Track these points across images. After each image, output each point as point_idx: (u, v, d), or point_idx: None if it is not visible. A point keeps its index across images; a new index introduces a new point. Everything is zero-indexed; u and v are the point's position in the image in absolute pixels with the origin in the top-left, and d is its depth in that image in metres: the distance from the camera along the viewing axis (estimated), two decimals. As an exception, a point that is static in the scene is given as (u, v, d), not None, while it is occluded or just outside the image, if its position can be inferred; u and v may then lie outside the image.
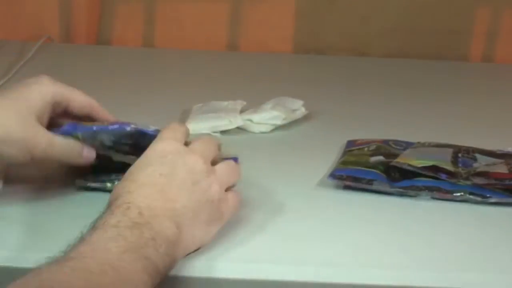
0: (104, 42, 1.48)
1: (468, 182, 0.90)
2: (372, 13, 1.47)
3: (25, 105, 0.79)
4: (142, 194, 0.72)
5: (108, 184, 0.86)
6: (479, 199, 0.89)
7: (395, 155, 0.95)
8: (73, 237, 0.69)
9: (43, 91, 0.81)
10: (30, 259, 0.75)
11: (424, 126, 1.13)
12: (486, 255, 0.80)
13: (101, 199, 0.86)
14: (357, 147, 1.00)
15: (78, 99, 0.84)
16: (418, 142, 1.00)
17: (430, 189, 0.90)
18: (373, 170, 0.92)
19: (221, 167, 0.78)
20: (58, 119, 0.84)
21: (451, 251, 0.80)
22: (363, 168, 0.92)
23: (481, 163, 0.94)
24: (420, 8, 1.46)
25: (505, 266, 0.79)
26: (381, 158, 0.95)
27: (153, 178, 0.74)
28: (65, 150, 0.81)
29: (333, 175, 0.92)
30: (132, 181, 0.74)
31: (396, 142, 1.00)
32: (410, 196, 0.90)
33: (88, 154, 0.82)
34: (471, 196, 0.89)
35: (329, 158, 0.99)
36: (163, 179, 0.74)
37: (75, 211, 0.83)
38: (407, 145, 0.99)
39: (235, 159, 0.83)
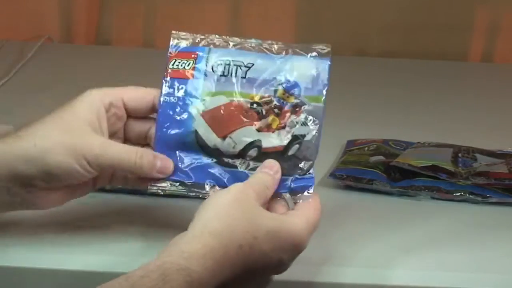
0: (104, 42, 1.48)
1: (468, 182, 0.90)
2: (371, 10, 1.47)
3: (72, 116, 0.73)
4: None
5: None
6: (479, 199, 0.89)
7: (395, 155, 0.95)
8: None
9: (90, 98, 0.74)
10: (30, 258, 0.75)
11: (424, 126, 1.13)
12: (486, 255, 0.80)
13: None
14: (357, 147, 1.00)
15: (130, 91, 0.77)
16: (418, 142, 1.00)
17: (430, 189, 0.90)
18: (373, 170, 0.92)
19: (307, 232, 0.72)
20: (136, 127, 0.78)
21: (451, 251, 0.80)
22: (363, 168, 0.92)
23: (481, 163, 0.94)
24: (420, 5, 1.46)
25: (505, 266, 0.79)
26: (381, 158, 0.95)
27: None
28: (123, 154, 0.73)
29: (334, 174, 0.92)
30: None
31: (396, 142, 1.00)
32: (410, 196, 0.90)
33: (163, 166, 0.74)
34: (471, 196, 0.89)
35: (329, 158, 0.99)
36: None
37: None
38: (407, 145, 0.99)
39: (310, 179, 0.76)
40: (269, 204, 0.73)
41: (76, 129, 0.72)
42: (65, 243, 0.77)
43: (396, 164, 0.92)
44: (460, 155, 0.95)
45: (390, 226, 0.84)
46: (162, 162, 0.74)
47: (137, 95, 0.77)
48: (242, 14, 1.47)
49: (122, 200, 0.86)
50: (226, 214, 0.68)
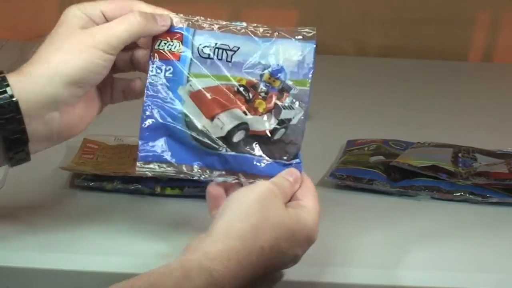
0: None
1: (468, 182, 0.90)
2: (372, 5, 1.47)
3: (65, 27, 0.75)
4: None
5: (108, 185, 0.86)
6: (479, 199, 0.89)
7: (395, 155, 0.95)
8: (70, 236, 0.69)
9: (69, 18, 0.75)
10: (30, 258, 0.75)
11: (424, 126, 1.13)
12: (486, 255, 0.80)
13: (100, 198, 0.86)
14: (357, 147, 1.00)
15: (107, 2, 0.76)
16: (418, 142, 1.00)
17: (430, 189, 0.90)
18: (373, 170, 0.92)
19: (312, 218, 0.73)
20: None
21: (451, 251, 0.80)
22: (363, 168, 0.92)
23: (481, 163, 0.94)
24: (420, 0, 1.46)
25: (505, 266, 0.79)
26: (381, 158, 0.95)
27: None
28: (122, 25, 0.73)
29: (334, 174, 0.92)
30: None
31: (396, 142, 1.00)
32: (410, 196, 0.90)
33: (160, 18, 0.75)
34: (471, 196, 0.89)
35: (329, 158, 0.99)
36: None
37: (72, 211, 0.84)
38: (407, 145, 0.99)
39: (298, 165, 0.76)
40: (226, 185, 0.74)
41: (76, 34, 0.73)
42: (65, 243, 0.77)
43: (396, 164, 0.92)
44: (460, 155, 0.95)
45: (390, 226, 0.84)
46: (160, 16, 0.75)
47: (115, 6, 0.75)
48: (242, 15, 1.47)
49: (122, 200, 0.86)
50: (251, 214, 0.69)
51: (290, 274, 0.74)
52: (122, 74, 0.79)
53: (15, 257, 0.75)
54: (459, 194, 0.89)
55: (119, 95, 0.79)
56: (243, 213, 0.69)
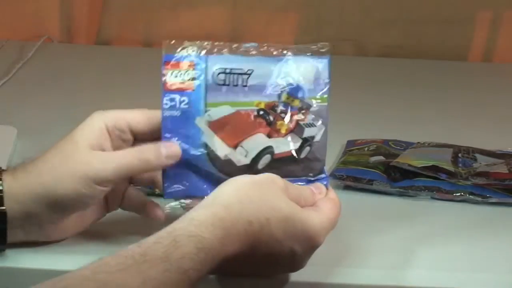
0: (104, 42, 1.48)
1: (468, 182, 0.90)
2: (372, 5, 1.47)
3: (72, 145, 0.72)
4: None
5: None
6: (479, 199, 0.89)
7: (395, 155, 0.95)
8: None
9: (91, 123, 0.73)
10: (30, 258, 0.75)
11: (424, 126, 1.13)
12: (486, 255, 0.80)
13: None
14: (357, 147, 1.00)
15: (135, 113, 0.75)
16: (418, 142, 1.00)
17: (430, 189, 0.90)
18: (373, 170, 0.92)
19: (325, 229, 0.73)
20: None
21: (451, 251, 0.80)
22: (363, 168, 0.92)
23: (481, 163, 0.94)
24: (420, 0, 1.46)
25: (505, 266, 0.79)
26: (381, 158, 0.95)
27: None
28: (123, 158, 0.72)
29: (334, 174, 0.92)
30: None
31: (396, 142, 1.00)
32: (410, 196, 0.90)
33: (169, 151, 0.73)
34: (471, 196, 0.89)
35: (329, 158, 0.99)
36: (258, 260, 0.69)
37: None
38: (407, 145, 0.99)
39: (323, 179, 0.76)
40: None
41: (77, 155, 0.72)
42: (65, 243, 0.77)
43: (396, 164, 0.92)
44: (460, 155, 0.95)
45: (390, 227, 0.84)
46: (167, 147, 0.73)
47: (143, 118, 0.75)
48: (242, 14, 1.47)
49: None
50: (242, 191, 0.69)
51: (290, 274, 0.74)
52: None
53: (15, 257, 0.75)
54: (459, 194, 0.89)
55: (129, 207, 0.78)
56: (234, 189, 0.69)
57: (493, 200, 0.89)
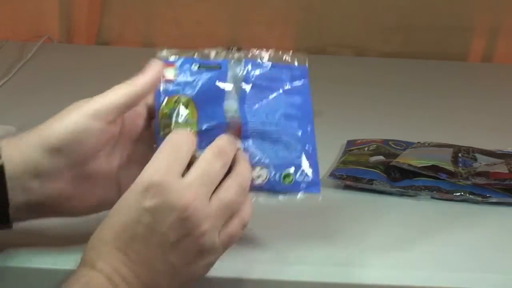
0: (104, 42, 1.48)
1: (468, 182, 0.90)
2: (372, 11, 1.47)
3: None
4: (109, 260, 0.65)
5: None
6: (479, 199, 0.89)
7: (395, 155, 0.95)
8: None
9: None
10: (30, 258, 0.75)
11: (424, 126, 1.13)
12: (486, 255, 0.80)
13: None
14: (357, 147, 1.00)
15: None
16: (418, 142, 1.00)
17: (430, 189, 0.90)
18: (373, 170, 0.92)
19: (227, 197, 0.68)
20: None
21: (451, 251, 0.80)
22: (363, 168, 0.92)
23: (481, 163, 0.94)
24: (420, 7, 1.46)
25: (505, 266, 0.79)
26: (381, 158, 0.95)
27: (126, 236, 0.65)
28: (119, 88, 0.72)
29: (333, 174, 0.92)
30: (102, 240, 0.66)
31: (396, 142, 1.00)
32: (410, 196, 0.90)
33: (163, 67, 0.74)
34: (471, 196, 0.89)
35: (329, 158, 0.99)
36: (138, 238, 0.65)
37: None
38: (407, 145, 0.99)
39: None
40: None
41: (72, 105, 0.71)
42: (65, 243, 0.77)
43: (396, 164, 0.92)
44: (460, 155, 0.95)
45: (390, 226, 0.84)
46: (157, 64, 0.75)
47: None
48: (242, 15, 1.47)
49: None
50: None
51: (290, 274, 0.75)
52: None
53: (15, 257, 0.75)
54: (459, 194, 0.89)
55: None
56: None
57: (493, 200, 0.89)
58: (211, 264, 0.68)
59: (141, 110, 0.75)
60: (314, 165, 0.74)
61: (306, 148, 0.75)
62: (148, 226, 0.65)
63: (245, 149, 0.72)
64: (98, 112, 0.70)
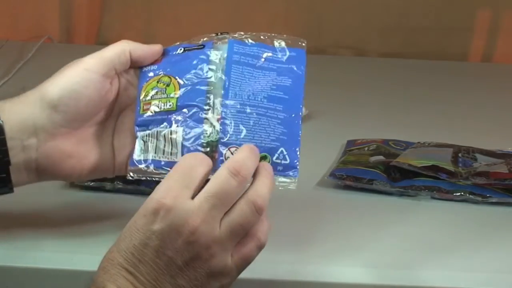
0: (104, 42, 1.48)
1: (468, 182, 0.90)
2: (372, 12, 1.47)
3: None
4: (118, 282, 0.64)
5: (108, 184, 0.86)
6: (479, 199, 0.89)
7: (395, 155, 0.95)
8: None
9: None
10: (30, 258, 0.75)
11: (424, 126, 1.13)
12: (486, 255, 0.80)
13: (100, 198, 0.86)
14: (357, 147, 1.00)
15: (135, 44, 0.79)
16: (418, 142, 1.00)
17: (430, 189, 0.90)
18: (373, 170, 0.92)
19: (238, 217, 0.66)
20: None
21: (451, 251, 0.80)
22: (363, 168, 0.92)
23: (481, 163, 0.94)
24: (420, 7, 1.46)
25: (505, 266, 0.79)
26: (381, 158, 0.95)
27: (135, 258, 0.65)
28: (112, 48, 0.76)
29: (334, 174, 0.92)
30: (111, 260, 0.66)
31: (396, 142, 1.00)
32: (410, 196, 0.90)
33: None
34: (471, 196, 0.89)
35: (329, 158, 0.99)
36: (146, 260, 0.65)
37: (73, 211, 0.84)
38: (407, 145, 0.99)
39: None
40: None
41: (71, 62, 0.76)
42: (65, 243, 0.77)
43: (396, 164, 0.92)
44: (460, 155, 0.95)
45: (390, 226, 0.84)
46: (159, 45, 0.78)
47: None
48: (242, 15, 1.47)
49: (122, 200, 0.86)
50: None
51: (290, 274, 0.75)
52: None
53: (15, 257, 0.75)
54: (459, 194, 0.89)
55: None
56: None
57: (493, 200, 0.89)
58: (225, 286, 0.67)
59: (135, 82, 0.77)
60: (293, 149, 0.72)
61: (287, 131, 0.73)
62: (156, 249, 0.65)
63: (222, 130, 0.72)
64: (92, 64, 0.74)
